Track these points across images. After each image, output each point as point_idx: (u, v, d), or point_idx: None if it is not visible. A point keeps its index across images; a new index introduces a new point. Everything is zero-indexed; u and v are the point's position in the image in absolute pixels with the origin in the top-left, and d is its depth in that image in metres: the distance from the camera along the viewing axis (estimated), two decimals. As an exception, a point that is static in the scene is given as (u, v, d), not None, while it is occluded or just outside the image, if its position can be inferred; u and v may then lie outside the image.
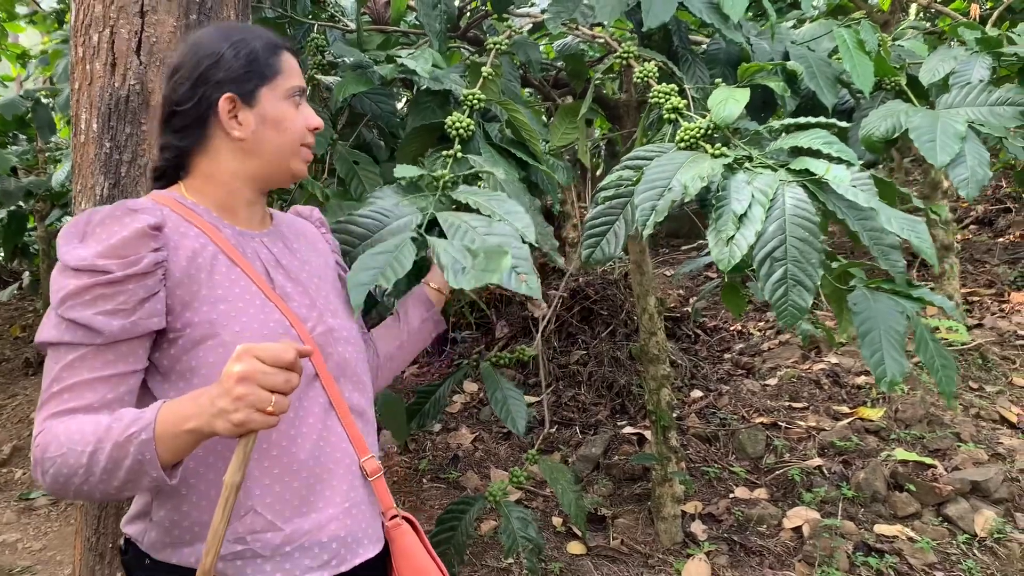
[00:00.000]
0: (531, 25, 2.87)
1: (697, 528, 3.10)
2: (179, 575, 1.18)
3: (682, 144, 1.72)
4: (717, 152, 1.64)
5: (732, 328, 4.79)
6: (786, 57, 2.37)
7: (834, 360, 4.17)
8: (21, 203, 5.43)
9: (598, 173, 6.18)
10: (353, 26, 2.93)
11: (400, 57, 1.99)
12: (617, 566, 2.95)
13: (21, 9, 6.17)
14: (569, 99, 3.24)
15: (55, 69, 3.46)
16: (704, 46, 2.64)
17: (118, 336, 1.13)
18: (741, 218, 1.46)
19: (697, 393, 3.98)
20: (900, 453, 3.34)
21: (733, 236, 1.45)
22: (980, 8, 4.79)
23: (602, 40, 2.25)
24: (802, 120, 1.70)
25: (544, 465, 2.19)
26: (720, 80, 2.11)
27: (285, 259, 1.37)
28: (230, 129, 1.30)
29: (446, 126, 1.89)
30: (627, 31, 2.78)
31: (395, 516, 1.34)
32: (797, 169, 1.54)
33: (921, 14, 5.28)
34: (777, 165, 1.60)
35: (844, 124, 1.68)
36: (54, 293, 1.15)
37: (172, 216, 1.26)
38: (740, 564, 2.88)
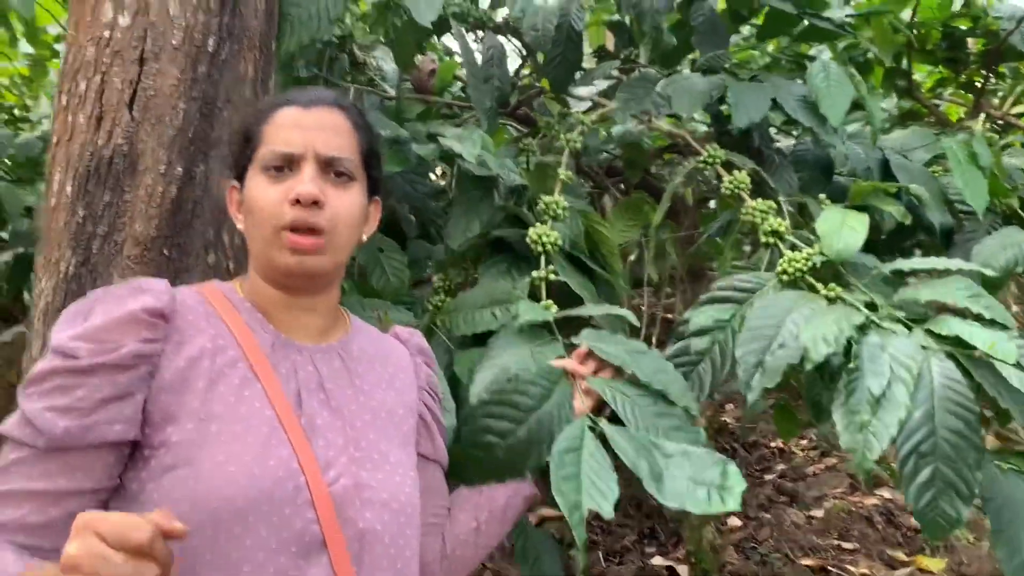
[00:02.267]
0: (588, 106, 2.60)
1: None
2: None
3: (785, 277, 1.41)
4: (832, 294, 1.33)
5: (773, 445, 4.41)
6: (886, 166, 2.07)
7: (887, 494, 3.77)
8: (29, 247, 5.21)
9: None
10: (392, 92, 2.67)
11: (444, 136, 1.70)
12: None
13: (60, 47, 6.07)
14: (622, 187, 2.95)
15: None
16: (778, 143, 2.35)
17: (63, 442, 0.88)
18: (879, 400, 1.13)
19: (735, 521, 3.59)
20: (968, 618, 2.92)
21: (869, 422, 1.12)
22: (1056, 123, 4.52)
23: (683, 138, 1.95)
24: (939, 263, 1.38)
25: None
26: (824, 196, 1.80)
27: (334, 383, 1.06)
28: (236, 222, 1.12)
29: (530, 240, 1.60)
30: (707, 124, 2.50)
31: None
32: (942, 334, 1.22)
33: (988, 124, 5.02)
34: (910, 320, 1.28)
35: (989, 273, 1.37)
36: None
37: (199, 307, 1.03)
38: None
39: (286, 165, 1.03)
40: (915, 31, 3.52)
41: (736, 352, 1.34)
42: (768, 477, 4.06)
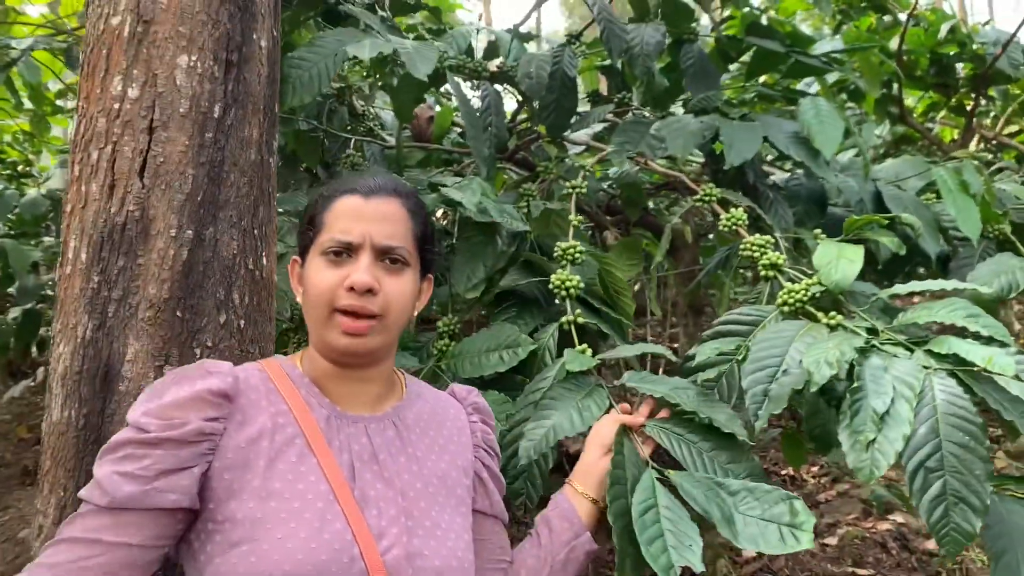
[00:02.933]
0: (583, 148, 2.65)
1: None
2: None
3: (786, 309, 1.44)
4: (833, 322, 1.36)
5: (784, 473, 4.40)
6: (878, 197, 2.11)
7: (900, 519, 3.76)
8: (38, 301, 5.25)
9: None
10: (392, 141, 2.72)
11: (445, 186, 1.75)
12: None
13: (64, 103, 6.17)
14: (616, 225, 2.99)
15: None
16: (773, 178, 2.39)
17: (124, 503, 0.98)
18: (883, 417, 1.16)
19: (750, 553, 3.58)
20: (988, 641, 2.91)
21: (874, 439, 1.15)
22: (1050, 142, 4.56)
23: (677, 178, 2.00)
24: (934, 285, 1.41)
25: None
26: (817, 230, 1.84)
27: (386, 453, 1.11)
28: (296, 294, 1.22)
29: (553, 286, 1.65)
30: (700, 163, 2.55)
31: None
32: (942, 353, 1.25)
33: (983, 145, 5.07)
34: (911, 343, 1.31)
35: (985, 290, 1.40)
36: None
37: (261, 386, 1.12)
38: None
39: (344, 251, 1.11)
40: (904, 58, 3.59)
41: (743, 383, 1.38)
42: (780, 505, 4.05)
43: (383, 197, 1.14)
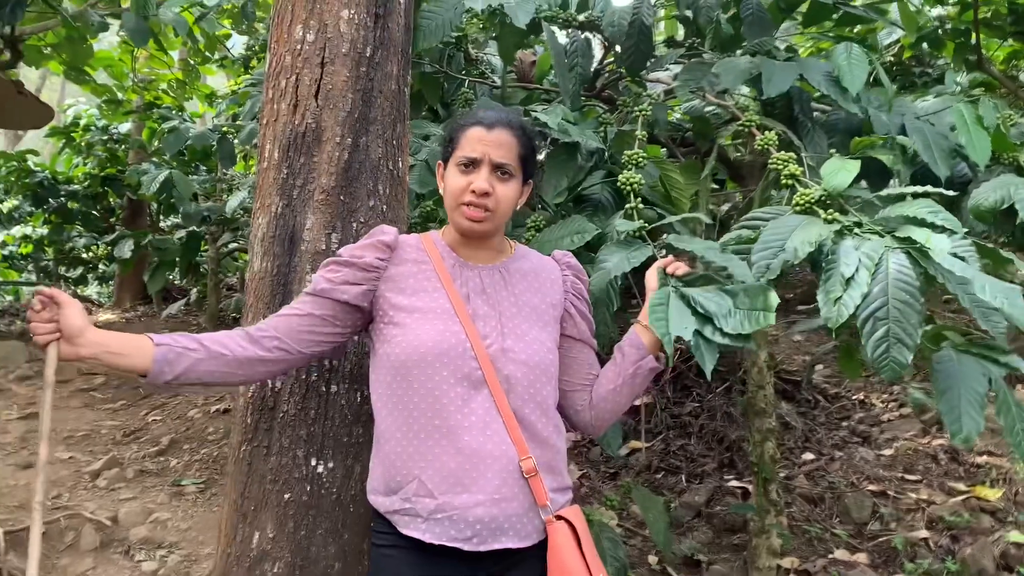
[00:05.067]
0: (661, 88, 3.08)
1: (793, 584, 3.12)
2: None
3: (798, 208, 1.88)
4: (830, 217, 1.79)
5: (855, 397, 4.75)
6: (903, 130, 2.47)
7: (956, 437, 4.08)
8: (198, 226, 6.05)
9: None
10: (500, 83, 3.23)
11: (535, 111, 2.25)
12: (709, 611, 3.01)
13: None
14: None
15: (244, 108, 3.95)
16: (821, 113, 2.77)
17: (319, 292, 1.65)
18: (848, 281, 1.61)
19: (809, 456, 4.00)
20: (1014, 535, 3.26)
21: (841, 297, 1.60)
22: None
23: (727, 108, 2.43)
24: (910, 190, 1.82)
25: (638, 494, 2.34)
26: (834, 151, 2.25)
27: (493, 289, 1.67)
28: (439, 188, 1.75)
29: (620, 183, 2.14)
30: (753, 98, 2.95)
31: (558, 516, 1.54)
32: (902, 237, 1.67)
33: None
34: (884, 232, 1.73)
35: (951, 193, 1.80)
36: None
37: (415, 245, 1.71)
38: (833, 624, 2.89)
39: (471, 164, 1.63)
40: (983, 7, 3.80)
41: (752, 258, 1.81)
42: (845, 424, 4.43)
43: (500, 128, 1.64)
